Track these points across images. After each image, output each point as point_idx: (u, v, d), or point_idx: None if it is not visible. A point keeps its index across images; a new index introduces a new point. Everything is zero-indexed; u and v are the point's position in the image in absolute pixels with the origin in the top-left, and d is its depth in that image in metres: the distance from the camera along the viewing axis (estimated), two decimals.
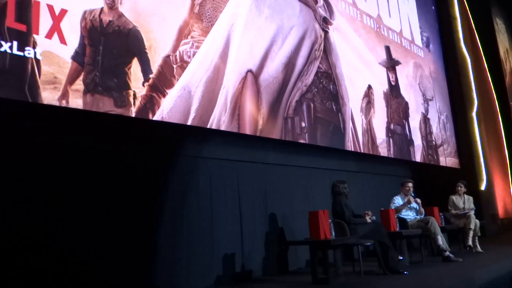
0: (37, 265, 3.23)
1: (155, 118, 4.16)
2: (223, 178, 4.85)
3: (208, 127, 4.64)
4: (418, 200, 5.71)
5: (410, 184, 5.77)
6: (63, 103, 3.55)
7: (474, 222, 6.26)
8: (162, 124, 4.23)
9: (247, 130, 5.09)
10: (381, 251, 4.56)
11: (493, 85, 13.40)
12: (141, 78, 4.12)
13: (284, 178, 5.66)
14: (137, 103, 4.04)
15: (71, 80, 3.62)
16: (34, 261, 3.23)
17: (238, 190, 4.99)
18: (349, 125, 6.88)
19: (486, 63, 13.27)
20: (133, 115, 3.99)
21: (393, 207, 5.60)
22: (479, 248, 6.30)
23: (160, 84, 4.27)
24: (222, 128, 4.78)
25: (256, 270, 4.96)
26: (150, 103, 4.16)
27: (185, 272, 4.22)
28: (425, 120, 9.50)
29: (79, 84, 3.67)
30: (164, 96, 4.28)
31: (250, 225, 5.00)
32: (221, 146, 4.91)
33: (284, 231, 5.34)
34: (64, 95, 3.57)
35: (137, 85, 4.07)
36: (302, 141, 5.85)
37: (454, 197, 6.71)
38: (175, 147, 4.48)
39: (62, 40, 3.61)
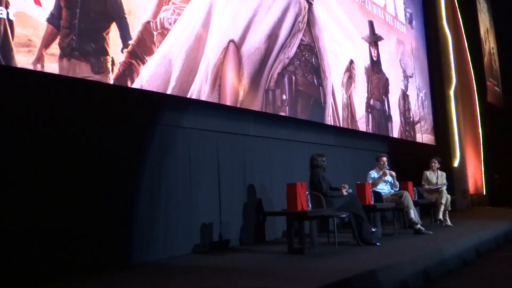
0: (7, 236, 3.18)
1: (134, 86, 4.06)
2: (202, 149, 4.82)
3: (188, 96, 4.57)
4: (393, 173, 5.80)
5: (385, 159, 5.86)
6: (38, 67, 3.43)
7: (446, 197, 6.44)
8: (141, 92, 4.14)
9: (228, 101, 5.04)
10: (356, 223, 4.66)
11: (471, 64, 13.55)
12: (120, 44, 4.00)
13: (263, 150, 5.67)
14: (116, 70, 3.93)
15: (46, 43, 3.48)
16: (3, 234, 3.17)
17: (217, 161, 4.97)
18: (330, 99, 6.88)
19: (467, 42, 13.36)
20: (112, 82, 3.88)
21: (371, 182, 5.69)
22: (449, 222, 6.50)
23: (140, 51, 4.16)
24: (203, 98, 4.72)
25: (234, 239, 5.01)
26: (129, 70, 4.05)
27: (162, 240, 4.23)
28: (404, 96, 9.58)
29: (54, 48, 3.54)
30: (143, 63, 4.17)
31: (229, 195, 5.02)
32: (201, 116, 4.85)
33: (262, 202, 5.39)
34: (39, 59, 3.44)
35: (116, 51, 3.95)
36: (282, 113, 5.83)
37: (428, 173, 6.86)
38: (154, 116, 4.41)
39: (37, 1, 3.45)
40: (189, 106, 4.73)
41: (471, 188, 12.67)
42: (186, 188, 4.57)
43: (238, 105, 5.15)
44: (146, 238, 4.09)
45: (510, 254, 5.14)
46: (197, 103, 4.74)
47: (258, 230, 5.35)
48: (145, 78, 4.16)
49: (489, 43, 15.20)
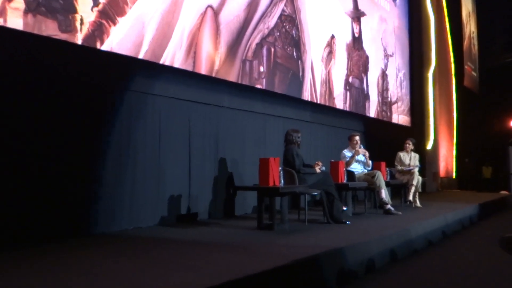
0: None
1: (103, 47, 3.93)
2: (173, 118, 4.75)
3: (160, 62, 4.46)
4: (366, 152, 5.86)
5: (357, 137, 5.91)
6: (0, 22, 3.25)
7: (417, 179, 6.61)
8: (110, 54, 4.01)
9: (203, 70, 4.95)
10: (327, 201, 4.74)
11: (452, 47, 13.75)
12: (89, 2, 3.83)
13: (237, 123, 5.64)
14: (84, 29, 3.78)
15: None
16: None
17: (188, 131, 4.92)
18: (308, 74, 6.87)
19: (448, 24, 13.51)
20: (80, 42, 3.74)
21: (344, 161, 5.75)
22: (418, 204, 6.71)
23: (111, 10, 4.00)
24: (176, 65, 4.62)
25: (202, 213, 5.02)
26: (99, 30, 3.90)
27: (127, 211, 4.21)
28: (383, 76, 9.67)
29: (19, 2, 3.36)
30: (114, 24, 4.03)
31: (199, 167, 5.00)
32: (173, 84, 4.76)
33: (233, 176, 5.40)
34: (1, 12, 3.26)
35: (85, 9, 3.79)
36: (259, 86, 5.79)
37: (402, 154, 7.01)
38: (123, 81, 4.30)
39: None
40: (161, 73, 4.63)
41: (442, 171, 13.06)
42: (155, 158, 4.52)
43: (213, 75, 5.08)
44: (110, 207, 4.06)
45: (473, 236, 5.37)
46: (170, 70, 4.64)
47: (228, 204, 5.38)
48: (116, 40, 4.02)
49: (470, 27, 15.42)
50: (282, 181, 4.31)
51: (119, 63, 4.18)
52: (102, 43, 3.91)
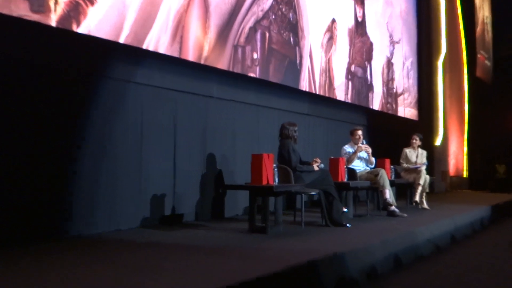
0: None
1: (79, 30, 3.90)
2: (157, 109, 4.74)
3: (143, 47, 4.44)
4: (368, 149, 5.88)
5: (360, 132, 5.93)
6: None
7: (424, 178, 6.65)
8: (88, 38, 3.98)
9: (190, 56, 4.93)
10: (326, 202, 4.76)
11: (463, 33, 13.80)
12: None
13: (228, 115, 5.64)
14: (59, 9, 3.74)
15: None
16: None
17: (174, 124, 4.91)
18: (307, 61, 6.87)
19: (460, 8, 13.56)
20: (54, 24, 3.71)
21: (345, 158, 5.76)
22: (425, 205, 6.75)
23: None
24: (161, 50, 4.60)
25: (188, 214, 5.02)
26: (75, 11, 3.87)
27: (106, 211, 4.20)
28: (389, 64, 9.70)
29: None
30: (92, 4, 3.99)
31: (185, 164, 5.00)
32: (157, 71, 4.75)
33: (222, 174, 5.40)
34: None
35: None
36: (252, 74, 5.78)
37: (408, 150, 7.05)
38: (102, 67, 4.27)
39: None
40: (144, 59, 4.61)
41: (452, 170, 13.16)
42: (136, 154, 4.51)
43: (202, 62, 5.06)
44: (88, 208, 4.05)
45: (485, 241, 5.42)
46: (154, 56, 4.62)
47: (217, 204, 5.38)
48: (94, 22, 3.99)
49: (483, 12, 15.48)
50: (277, 179, 4.32)
51: (97, 47, 4.15)
52: (78, 25, 3.88)
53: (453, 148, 13.26)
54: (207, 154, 5.30)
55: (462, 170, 13.77)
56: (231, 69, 5.45)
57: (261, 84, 6.06)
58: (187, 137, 5.07)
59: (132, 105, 4.51)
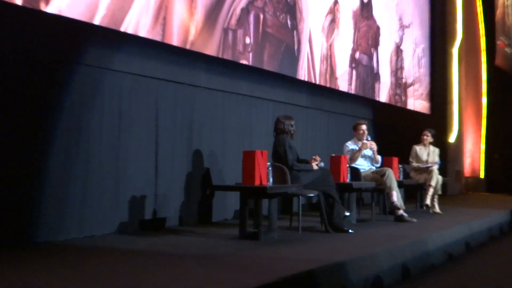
0: None
1: (48, 10, 3.86)
2: (137, 100, 4.72)
3: (121, 30, 4.41)
4: (374, 146, 5.89)
5: (364, 127, 5.93)
6: None
7: (436, 179, 6.68)
8: (58, 19, 3.95)
9: (174, 40, 4.91)
10: (326, 205, 4.76)
11: (482, 17, 13.84)
12: None
13: (216, 107, 5.63)
14: None
15: None
16: None
17: (156, 117, 4.90)
18: (306, 47, 6.86)
19: None
20: (19, 2, 3.67)
21: (348, 156, 5.76)
22: (437, 209, 6.78)
23: None
24: (141, 34, 4.57)
25: (172, 218, 5.02)
26: None
27: (78, 215, 4.18)
28: (398, 51, 9.71)
29: None
30: None
31: (169, 161, 4.99)
32: (137, 57, 4.73)
33: (210, 173, 5.39)
34: None
35: None
36: (244, 61, 5.77)
37: (418, 148, 7.07)
38: (74, 52, 4.24)
39: None
40: (122, 43, 4.59)
41: (467, 170, 13.21)
42: (113, 150, 4.49)
43: (188, 47, 5.04)
44: (57, 211, 4.03)
45: (504, 250, 5.46)
46: (134, 40, 4.60)
47: (204, 208, 5.38)
48: (65, 1, 3.96)
49: None
50: (271, 179, 4.32)
51: (69, 30, 4.12)
52: (47, 3, 3.85)
53: (469, 145, 13.32)
54: (193, 150, 5.28)
55: (479, 170, 13.83)
56: (220, 56, 5.43)
57: (254, 73, 6.05)
58: (171, 132, 5.05)
59: (109, 96, 4.48)
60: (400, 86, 9.77)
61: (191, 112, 5.31)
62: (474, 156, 13.62)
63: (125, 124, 4.59)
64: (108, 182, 4.44)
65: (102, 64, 4.44)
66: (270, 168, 4.33)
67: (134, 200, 4.65)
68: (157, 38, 4.74)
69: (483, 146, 13.89)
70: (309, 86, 7.10)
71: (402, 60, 9.89)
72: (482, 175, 13.87)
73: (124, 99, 4.60)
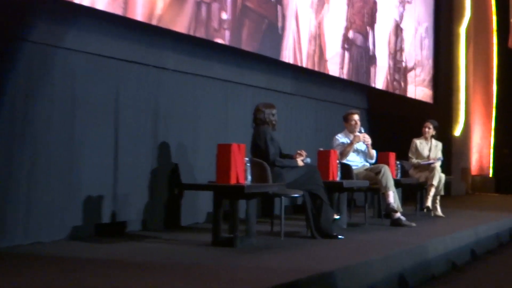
0: None
1: None
2: (94, 83, 4.69)
3: (75, 1, 4.37)
4: (367, 138, 5.93)
5: (356, 117, 5.96)
6: None
7: (439, 177, 6.74)
8: None
9: (138, 15, 4.89)
10: (312, 207, 4.79)
11: None
12: None
13: (187, 93, 5.62)
14: None
15: None
16: None
17: (116, 103, 4.87)
18: (291, 25, 6.87)
19: None
20: None
21: (338, 150, 5.78)
22: (439, 211, 6.86)
23: None
24: (98, 6, 4.54)
25: (133, 222, 5.01)
26: None
27: (22, 219, 4.15)
28: (397, 30, 9.78)
29: None
30: None
31: (130, 156, 4.97)
32: (94, 34, 4.69)
33: (179, 169, 5.39)
34: None
35: None
36: (219, 40, 5.76)
37: (419, 141, 7.13)
38: (19, 28, 4.19)
39: None
40: (76, 18, 4.54)
41: (474, 167, 13.38)
42: (66, 142, 4.46)
43: (154, 22, 5.02)
44: None
45: None
46: (90, 14, 4.56)
47: (171, 209, 5.38)
48: None
49: None
50: (249, 177, 4.33)
51: (14, 2, 4.08)
52: None
53: (476, 139, 13.46)
54: (159, 143, 5.27)
55: (488, 167, 13.96)
56: (192, 33, 5.41)
57: (231, 54, 6.04)
58: (133, 121, 5.03)
59: (61, 78, 4.44)
60: (399, 70, 9.84)
61: (157, 99, 5.28)
62: (482, 152, 13.76)
63: (79, 112, 4.56)
64: (59, 179, 4.40)
65: (53, 41, 4.39)
66: (248, 164, 4.33)
67: (89, 200, 4.63)
68: (118, 12, 4.71)
69: (492, 140, 14.01)
70: (294, 70, 7.12)
71: (402, 41, 9.97)
72: (491, 173, 14.01)
73: (78, 83, 4.56)
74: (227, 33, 5.84)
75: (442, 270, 4.55)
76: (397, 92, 9.74)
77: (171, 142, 5.38)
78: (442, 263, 4.61)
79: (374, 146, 6.08)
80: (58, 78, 4.43)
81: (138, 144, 5.07)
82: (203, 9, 5.53)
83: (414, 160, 7.05)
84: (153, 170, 5.20)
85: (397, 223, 5.74)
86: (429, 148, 7.10)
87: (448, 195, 8.80)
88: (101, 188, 4.74)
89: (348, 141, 5.93)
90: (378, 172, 5.83)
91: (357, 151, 6.02)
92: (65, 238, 4.40)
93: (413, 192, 7.13)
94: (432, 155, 7.05)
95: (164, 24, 5.13)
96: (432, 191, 6.71)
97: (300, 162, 4.95)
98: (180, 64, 5.51)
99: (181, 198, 5.44)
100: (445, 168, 7.43)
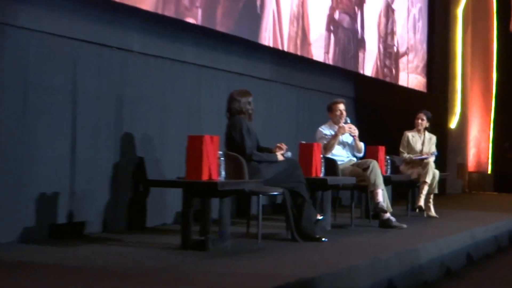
0: None
1: None
2: (48, 66, 4.65)
3: None
4: (354, 130, 5.92)
5: (342, 106, 5.98)
6: None
7: (432, 174, 6.80)
8: None
9: None
10: (293, 206, 4.79)
11: None
12: None
13: (154, 78, 5.59)
14: None
15: None
16: None
17: (73, 88, 4.83)
18: (271, 3, 6.86)
19: None
20: None
21: (322, 143, 5.79)
22: (432, 212, 6.94)
23: None
24: None
25: (93, 222, 4.98)
26: None
27: None
28: (388, 11, 9.81)
29: None
30: None
31: (90, 148, 4.94)
32: (48, 12, 4.64)
33: (145, 164, 5.38)
34: None
35: None
36: (191, 20, 5.75)
37: (411, 134, 7.18)
38: None
39: None
40: None
41: (471, 163, 13.51)
42: (16, 132, 4.43)
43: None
44: None
45: None
46: None
47: (136, 209, 5.36)
48: None
49: None
50: (223, 172, 4.32)
51: None
52: None
53: (474, 132, 13.58)
54: (123, 134, 5.24)
55: (486, 163, 14.08)
56: (160, 12, 5.39)
57: (204, 35, 6.03)
58: (93, 109, 4.99)
59: (10, 60, 4.40)
60: (390, 56, 9.89)
61: (120, 85, 5.25)
62: (480, 146, 13.89)
63: (31, 99, 4.52)
64: (7, 174, 4.36)
65: (1, 19, 4.33)
66: (222, 159, 4.32)
67: (42, 198, 4.59)
68: None
69: (491, 134, 14.11)
70: (274, 54, 7.11)
71: (394, 23, 10.01)
72: (490, 170, 14.13)
73: (31, 65, 4.53)
74: (199, 12, 5.81)
75: (436, 276, 4.60)
76: (387, 79, 9.79)
77: (136, 133, 5.36)
78: (436, 269, 4.65)
79: (362, 139, 6.11)
80: (7, 61, 4.38)
81: (98, 135, 5.04)
82: None
83: (406, 155, 7.10)
84: (115, 165, 5.17)
85: (386, 224, 5.78)
86: (422, 141, 7.16)
87: (442, 193, 8.89)
88: (56, 184, 4.71)
89: (333, 133, 5.94)
90: (366, 168, 5.86)
91: (343, 144, 6.04)
92: (15, 241, 4.36)
93: (404, 190, 7.18)
94: (425, 150, 7.11)
95: (129, 1, 5.09)
96: (425, 189, 6.76)
97: (279, 157, 4.95)
98: (146, 46, 5.49)
99: (147, 196, 5.42)
100: (439, 164, 7.49)
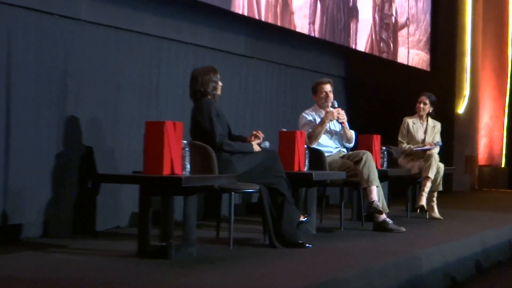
0: None
1: None
2: None
3: None
4: (342, 115, 5.95)
5: (328, 87, 6.00)
6: None
7: (436, 168, 6.85)
8: None
9: None
10: (271, 206, 4.80)
11: None
12: None
13: (106, 52, 5.58)
14: None
15: None
16: None
17: (7, 62, 4.79)
18: None
19: None
20: None
21: (306, 131, 5.80)
22: (436, 212, 7.00)
23: None
24: None
25: (31, 226, 4.96)
26: None
27: None
28: None
29: None
30: None
31: (27, 136, 4.92)
32: None
33: (94, 155, 5.37)
34: None
35: None
36: None
37: (411, 121, 7.22)
38: None
39: None
40: None
41: (482, 155, 13.62)
42: None
43: None
44: None
45: None
46: None
47: (84, 209, 5.35)
48: None
49: None
50: (188, 166, 4.32)
51: None
52: None
53: (485, 118, 13.67)
54: (67, 118, 5.23)
55: (500, 155, 14.19)
56: None
57: (165, 2, 6.02)
58: (32, 88, 4.96)
59: None
60: (387, 27, 9.92)
61: (64, 58, 5.22)
62: (492, 135, 13.99)
63: None
64: None
65: None
66: (187, 149, 4.32)
67: None
68: None
69: (506, 121, 14.20)
70: (249, 24, 7.12)
71: None
72: (503, 163, 14.23)
73: None
74: None
75: (439, 287, 4.63)
76: (384, 55, 9.83)
77: (84, 117, 5.34)
78: (439, 279, 4.69)
79: (353, 126, 6.14)
80: None
81: (38, 119, 5.01)
82: None
83: (405, 146, 7.13)
84: (58, 156, 5.15)
85: (382, 227, 5.82)
86: (424, 129, 7.20)
87: (448, 191, 8.94)
88: None
89: (319, 119, 5.96)
90: (358, 161, 5.89)
91: (331, 133, 6.06)
92: None
93: (403, 187, 7.23)
94: (428, 139, 7.14)
95: None
96: (428, 186, 6.81)
97: (256, 147, 4.95)
98: (97, 14, 5.47)
99: (97, 193, 5.41)
100: (444, 156, 7.54)
